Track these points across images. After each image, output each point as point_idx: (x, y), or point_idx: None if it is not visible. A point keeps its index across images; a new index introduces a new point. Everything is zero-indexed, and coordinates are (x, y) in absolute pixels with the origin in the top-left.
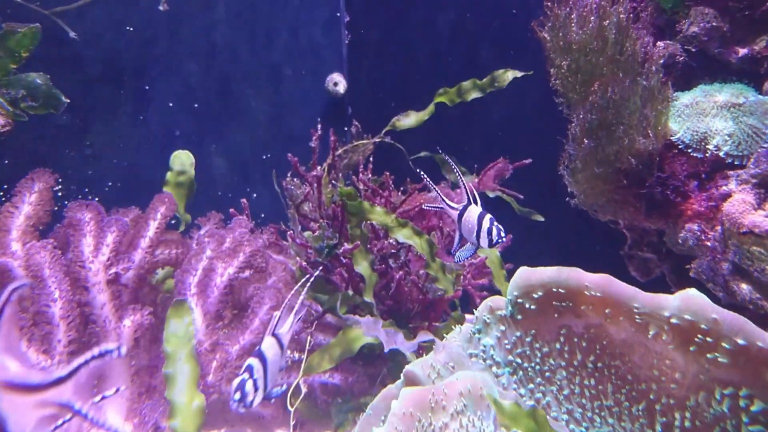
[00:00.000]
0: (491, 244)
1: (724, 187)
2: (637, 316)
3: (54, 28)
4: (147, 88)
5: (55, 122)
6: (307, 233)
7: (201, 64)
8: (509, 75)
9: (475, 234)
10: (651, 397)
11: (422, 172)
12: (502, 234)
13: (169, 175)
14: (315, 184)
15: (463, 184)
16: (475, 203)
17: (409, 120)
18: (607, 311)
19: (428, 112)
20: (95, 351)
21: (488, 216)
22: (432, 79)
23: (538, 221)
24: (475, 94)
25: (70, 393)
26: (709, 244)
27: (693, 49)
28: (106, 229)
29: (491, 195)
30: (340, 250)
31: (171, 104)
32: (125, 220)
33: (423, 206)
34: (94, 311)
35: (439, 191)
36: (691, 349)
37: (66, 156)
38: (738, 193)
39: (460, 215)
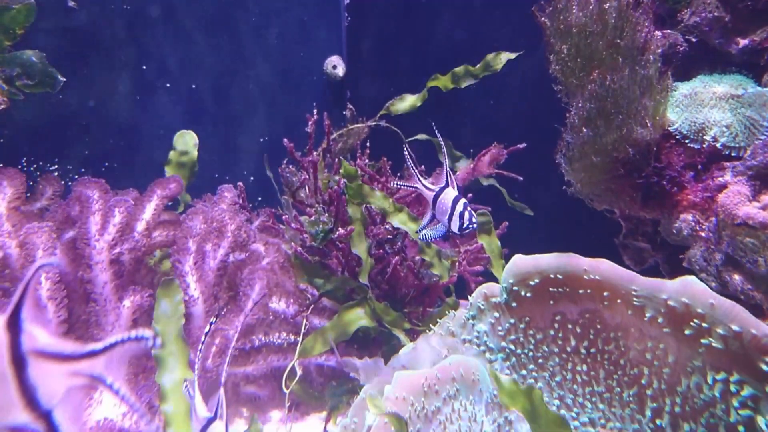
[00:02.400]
0: (461, 229)
1: (720, 179)
2: (635, 299)
3: (50, 4)
4: (144, 68)
5: (51, 101)
6: (303, 217)
7: (199, 46)
8: (503, 57)
9: (447, 216)
10: (642, 382)
11: (407, 151)
12: (474, 220)
13: (171, 154)
14: (311, 170)
15: (445, 165)
16: (453, 187)
17: (403, 104)
18: (605, 294)
19: (421, 98)
20: (136, 332)
21: (462, 200)
22: (433, 62)
23: (532, 215)
24: (468, 81)
25: (102, 367)
26: (703, 234)
27: (693, 39)
28: (114, 207)
29: (485, 183)
30: (336, 235)
31: (168, 85)
32: (130, 201)
33: (395, 184)
34: (95, 290)
35: (417, 172)
36: (686, 332)
37: (62, 136)
38: (733, 185)
39: (436, 196)
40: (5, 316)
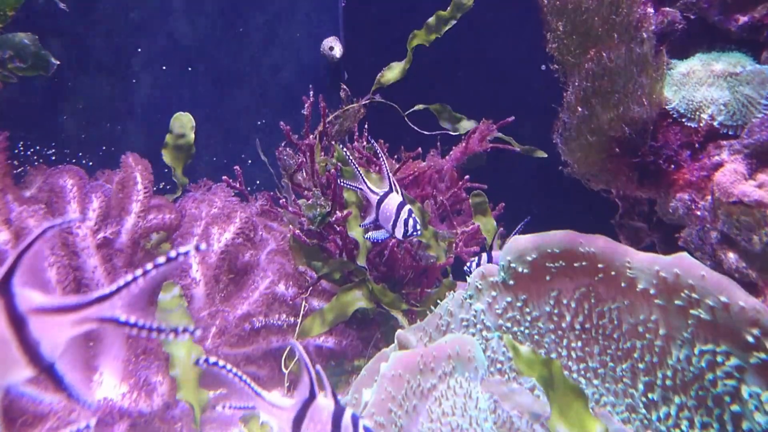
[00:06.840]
0: (405, 236)
1: (717, 157)
2: (628, 271)
3: None
4: (139, 50)
5: (47, 85)
6: (301, 201)
7: (194, 28)
8: None
9: (391, 223)
10: (635, 355)
11: (352, 162)
12: (418, 227)
13: (168, 137)
14: (308, 153)
15: (387, 172)
16: (397, 192)
17: (392, 73)
18: (599, 266)
19: (408, 61)
20: (150, 265)
21: (407, 207)
22: None
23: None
24: (445, 27)
25: (114, 309)
26: (698, 213)
27: (692, 17)
28: (91, 193)
29: (489, 137)
30: (333, 218)
31: (164, 67)
32: (108, 187)
33: (341, 183)
34: (86, 275)
35: (362, 174)
36: (676, 303)
37: (59, 120)
38: (730, 163)
39: (380, 201)
40: None
